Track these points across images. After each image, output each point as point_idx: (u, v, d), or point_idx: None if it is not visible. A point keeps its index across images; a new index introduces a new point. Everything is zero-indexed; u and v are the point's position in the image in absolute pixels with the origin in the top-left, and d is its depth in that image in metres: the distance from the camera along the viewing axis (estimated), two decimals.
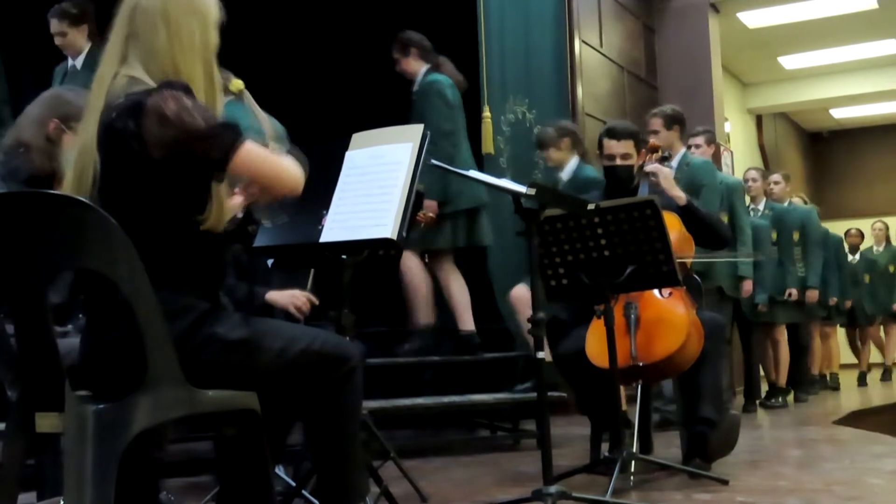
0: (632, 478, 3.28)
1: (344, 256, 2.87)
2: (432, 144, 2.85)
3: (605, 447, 3.58)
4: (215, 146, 1.94)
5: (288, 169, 2.09)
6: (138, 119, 1.92)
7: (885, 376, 10.02)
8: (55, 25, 4.91)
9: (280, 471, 2.99)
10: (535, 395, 3.11)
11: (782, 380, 6.98)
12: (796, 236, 7.00)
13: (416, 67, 4.99)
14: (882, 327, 9.92)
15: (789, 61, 11.25)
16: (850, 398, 8.00)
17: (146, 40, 2.03)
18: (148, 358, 1.80)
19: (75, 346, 2.04)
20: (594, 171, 5.07)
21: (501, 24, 5.87)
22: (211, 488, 2.88)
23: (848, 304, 8.95)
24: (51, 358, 1.86)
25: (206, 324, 1.97)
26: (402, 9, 5.96)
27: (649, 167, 3.74)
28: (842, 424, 5.53)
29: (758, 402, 6.72)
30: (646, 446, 3.73)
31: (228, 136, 1.96)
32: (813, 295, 6.98)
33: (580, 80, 6.43)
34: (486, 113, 5.61)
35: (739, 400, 6.79)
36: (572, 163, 5.07)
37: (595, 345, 3.38)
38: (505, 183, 2.85)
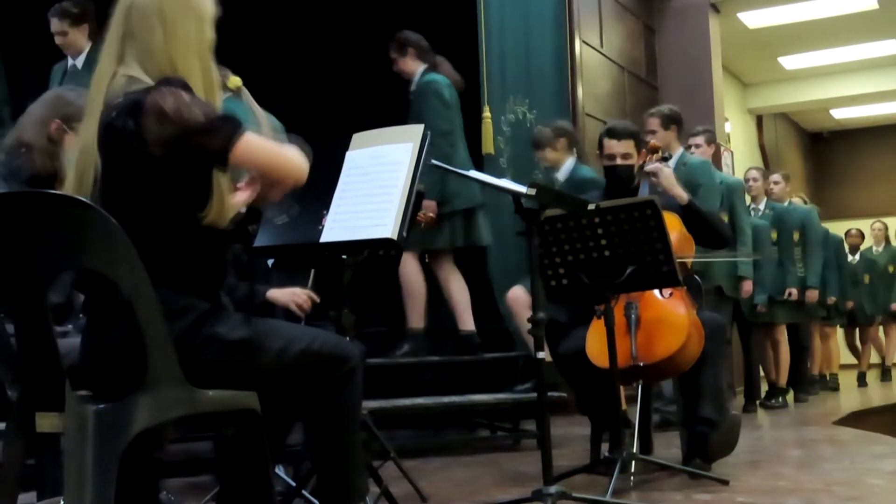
0: (632, 478, 3.28)
1: (344, 256, 2.87)
2: (430, 144, 2.85)
3: (605, 447, 3.58)
4: (215, 138, 1.94)
5: (292, 157, 2.09)
6: (137, 118, 1.93)
7: (885, 376, 10.02)
8: (56, 25, 4.90)
9: (280, 471, 2.99)
10: (535, 395, 3.11)
11: (782, 380, 6.98)
12: (796, 236, 6.99)
13: (414, 67, 5.00)
14: (882, 327, 9.92)
15: (790, 61, 11.25)
16: (849, 398, 8.00)
17: (142, 39, 2.03)
18: (148, 358, 1.80)
19: (75, 346, 2.04)
20: (591, 172, 5.07)
21: (501, 24, 5.87)
22: (211, 488, 2.88)
23: (850, 304, 8.96)
24: (51, 358, 1.86)
25: (206, 324, 1.97)
26: (401, 9, 5.96)
27: (650, 166, 3.74)
28: (842, 425, 5.53)
29: (758, 402, 6.71)
30: (646, 446, 3.72)
31: (228, 127, 1.96)
32: (813, 295, 6.97)
33: (580, 81, 6.43)
34: (487, 113, 5.61)
35: (739, 400, 6.78)
36: (568, 163, 5.06)
37: (595, 345, 3.38)
38: (505, 183, 2.85)
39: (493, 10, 5.78)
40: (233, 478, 2.11)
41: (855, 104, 12.60)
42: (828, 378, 8.68)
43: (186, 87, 1.98)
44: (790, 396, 7.13)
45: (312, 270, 3.65)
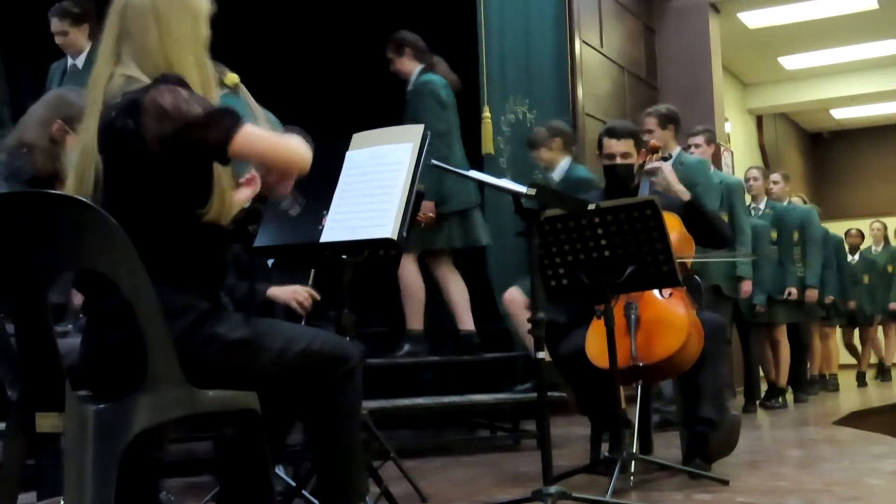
0: (632, 478, 3.27)
1: (344, 256, 2.87)
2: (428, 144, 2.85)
3: (605, 447, 3.58)
4: (214, 131, 1.94)
5: (293, 146, 2.08)
6: (137, 117, 1.93)
7: (885, 376, 10.02)
8: (56, 24, 4.89)
9: (280, 471, 2.99)
10: (535, 395, 3.11)
11: (782, 380, 6.98)
12: (796, 236, 6.99)
13: (411, 67, 5.00)
14: (881, 327, 9.92)
15: (790, 61, 11.25)
16: (849, 398, 8.00)
17: (138, 38, 2.04)
18: (148, 358, 1.80)
19: (75, 346, 2.04)
20: (586, 172, 5.08)
21: (501, 24, 5.87)
22: (211, 488, 2.88)
23: (852, 304, 8.96)
24: (51, 358, 1.86)
25: (206, 323, 1.97)
26: (401, 9, 5.96)
27: (650, 165, 3.74)
28: (842, 425, 5.53)
29: (758, 402, 6.71)
30: (646, 447, 3.72)
31: (227, 120, 1.96)
32: (812, 294, 6.97)
33: (580, 81, 6.43)
34: (486, 113, 5.61)
35: (739, 400, 6.79)
36: (564, 163, 5.06)
37: (595, 345, 3.38)
38: (505, 183, 2.84)
39: (493, 10, 5.78)
40: (233, 478, 2.11)
41: (855, 104, 12.61)
42: (827, 378, 8.68)
43: (183, 84, 1.98)
44: (790, 396, 7.13)
45: (312, 270, 3.65)
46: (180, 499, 3.13)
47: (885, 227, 10.04)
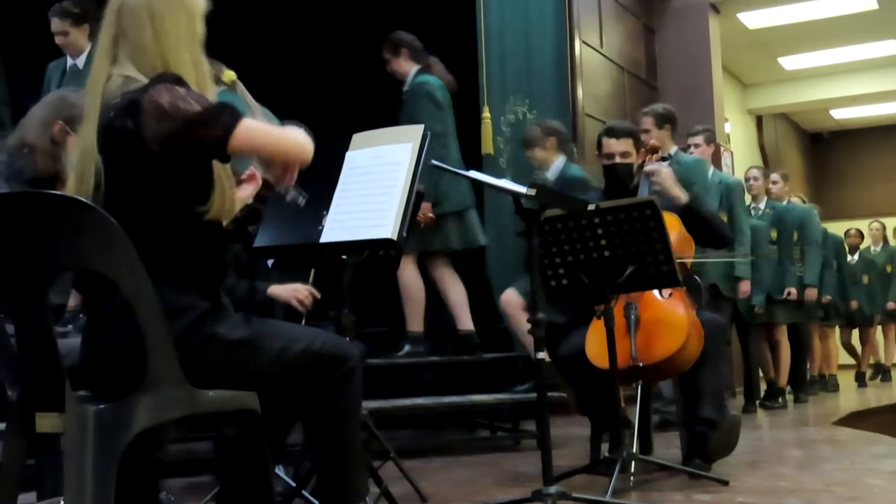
0: (632, 478, 3.28)
1: (344, 257, 2.87)
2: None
3: (605, 447, 3.58)
4: (214, 127, 1.94)
5: (293, 137, 2.08)
6: (136, 117, 1.93)
7: (885, 377, 10.02)
8: (57, 24, 4.89)
9: (280, 471, 2.99)
10: (534, 395, 3.11)
11: (783, 380, 6.98)
12: (796, 236, 6.99)
13: (407, 68, 5.00)
14: (880, 327, 9.92)
15: (789, 62, 11.25)
16: (849, 399, 8.00)
17: (134, 38, 2.04)
18: (148, 358, 1.80)
19: (76, 347, 2.04)
20: (580, 171, 5.08)
21: (501, 24, 5.87)
22: (211, 488, 2.88)
23: (854, 304, 8.96)
24: (51, 358, 1.86)
25: (206, 323, 1.97)
26: (401, 9, 5.96)
27: (649, 167, 3.74)
28: (841, 425, 5.53)
29: (757, 402, 6.71)
30: (646, 447, 3.73)
31: (226, 116, 1.96)
32: (811, 293, 6.97)
33: (580, 81, 6.43)
34: (486, 114, 5.61)
35: (739, 401, 6.78)
36: (558, 162, 5.04)
37: (595, 345, 3.38)
38: (505, 183, 2.85)
39: (492, 11, 5.78)
40: (233, 478, 2.11)
41: (855, 104, 12.61)
42: (827, 378, 8.68)
43: (181, 82, 1.99)
44: (789, 397, 7.13)
45: (312, 270, 3.66)
46: (180, 499, 3.13)
47: (884, 227, 10.05)
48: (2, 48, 5.41)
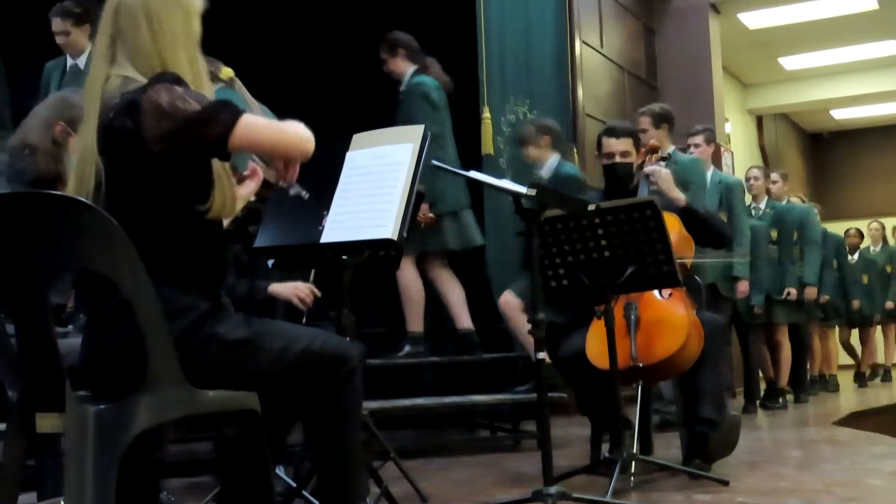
0: (632, 478, 3.28)
1: (344, 257, 2.87)
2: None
3: (605, 448, 3.58)
4: (213, 126, 1.94)
5: (293, 131, 2.07)
6: (135, 117, 1.93)
7: (886, 377, 10.02)
8: (58, 24, 4.88)
9: (280, 471, 2.99)
10: (535, 395, 3.11)
11: (783, 381, 6.98)
12: (795, 236, 6.99)
13: (404, 68, 5.01)
14: (880, 327, 9.92)
15: (790, 62, 11.26)
16: (849, 399, 8.00)
17: (131, 38, 2.04)
18: (148, 358, 1.80)
19: (76, 347, 2.04)
20: (575, 169, 5.08)
21: (501, 24, 5.87)
22: (211, 489, 2.88)
23: (856, 304, 8.96)
24: (51, 358, 1.86)
25: (206, 323, 1.97)
26: (401, 9, 5.96)
27: (648, 168, 3.74)
28: (842, 425, 5.53)
29: (758, 402, 6.71)
30: (646, 447, 3.72)
31: (225, 113, 1.96)
32: (811, 292, 6.97)
33: (581, 81, 6.43)
34: (486, 114, 5.61)
35: (739, 401, 6.78)
36: (552, 160, 5.03)
37: (595, 346, 3.38)
38: (505, 183, 2.85)
39: (492, 11, 5.78)
40: (233, 478, 2.11)
41: (855, 105, 12.61)
42: (827, 378, 8.68)
43: (179, 81, 1.99)
44: (789, 397, 7.13)
45: (313, 271, 3.66)
46: (180, 499, 3.13)
47: (883, 228, 10.05)
48: (2, 48, 5.41)
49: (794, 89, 12.05)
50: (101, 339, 1.96)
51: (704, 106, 7.84)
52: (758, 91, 12.16)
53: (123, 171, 1.98)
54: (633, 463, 3.29)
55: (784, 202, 7.28)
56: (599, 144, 3.83)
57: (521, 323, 4.56)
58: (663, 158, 3.92)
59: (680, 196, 3.73)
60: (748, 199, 6.79)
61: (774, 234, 6.88)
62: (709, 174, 5.86)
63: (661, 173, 3.74)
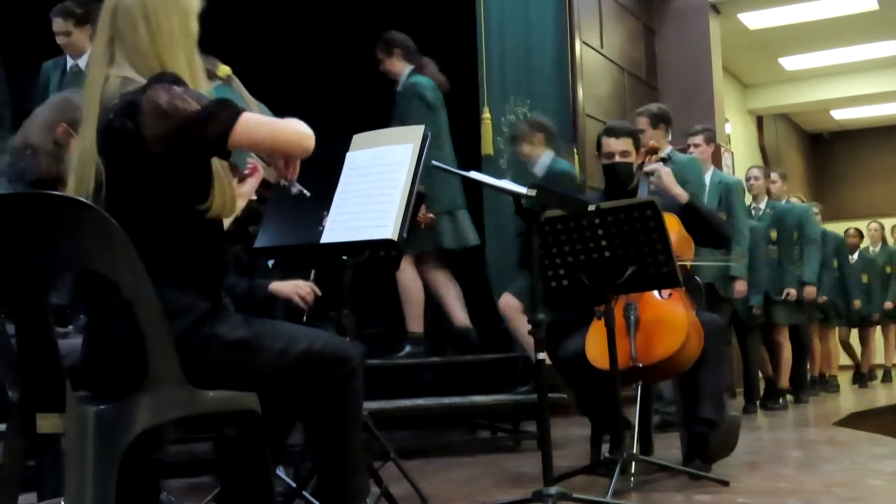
0: (632, 479, 3.27)
1: (345, 257, 2.87)
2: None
3: (605, 448, 3.58)
4: (213, 125, 1.94)
5: (292, 128, 2.06)
6: (135, 118, 1.93)
7: (886, 377, 10.02)
8: (59, 24, 4.87)
9: (280, 471, 2.99)
10: (535, 396, 3.12)
11: (784, 381, 6.97)
12: (795, 236, 6.99)
13: (400, 68, 5.02)
14: (879, 327, 9.91)
15: (790, 62, 11.26)
16: (849, 399, 8.00)
17: (129, 39, 2.04)
18: (149, 358, 1.80)
19: (76, 347, 2.04)
20: (568, 166, 5.08)
21: (501, 24, 5.87)
22: (211, 489, 2.88)
23: (857, 303, 8.96)
24: (52, 359, 1.86)
25: (206, 324, 1.97)
26: (401, 9, 5.96)
27: (649, 167, 3.74)
28: (842, 426, 5.53)
29: (758, 403, 6.71)
30: (646, 447, 3.73)
31: (225, 111, 1.96)
32: (810, 291, 6.96)
33: (581, 81, 6.43)
34: (486, 114, 5.61)
35: (739, 401, 6.78)
36: (545, 157, 5.01)
37: (595, 346, 3.38)
38: (505, 184, 2.85)
39: (492, 11, 5.78)
40: (233, 479, 2.11)
41: (855, 105, 12.61)
42: (827, 379, 8.68)
43: (178, 81, 1.99)
44: (790, 397, 7.12)
45: (313, 271, 3.66)
46: (181, 499, 3.13)
47: (882, 228, 10.05)
48: (2, 48, 5.41)
49: (794, 89, 12.05)
50: (101, 340, 1.96)
51: (704, 106, 7.84)
52: (758, 91, 12.16)
53: (123, 172, 1.98)
54: (634, 463, 3.28)
55: (783, 202, 7.28)
56: (599, 144, 3.84)
57: (520, 324, 4.56)
58: (662, 159, 3.91)
59: (682, 193, 3.73)
60: (748, 199, 6.79)
61: (774, 234, 6.88)
62: (708, 174, 5.86)
63: (663, 170, 3.74)
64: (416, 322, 4.93)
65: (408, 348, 4.90)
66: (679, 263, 3.39)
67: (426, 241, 4.89)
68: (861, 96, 11.99)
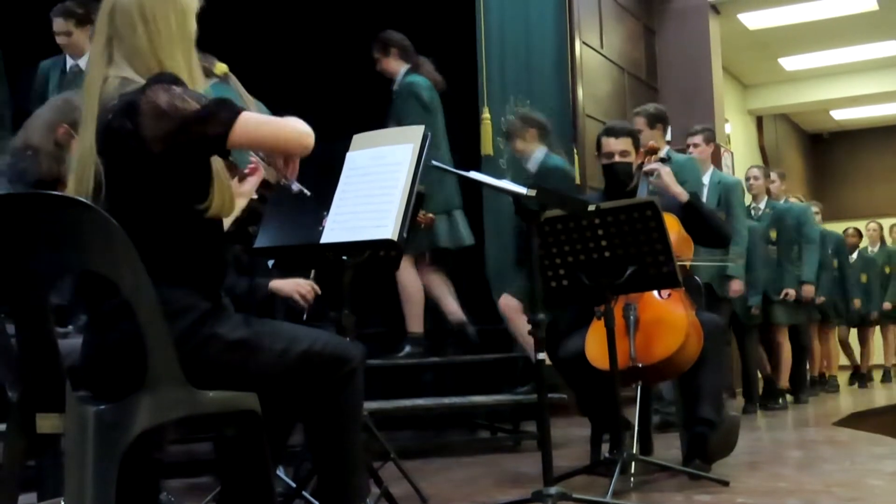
0: (632, 479, 3.27)
1: (345, 257, 2.87)
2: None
3: (605, 448, 3.58)
4: (213, 125, 1.94)
5: (292, 127, 2.06)
6: (134, 118, 1.93)
7: (886, 377, 10.02)
8: (60, 24, 4.87)
9: (281, 472, 2.99)
10: (535, 396, 3.12)
11: (783, 381, 6.97)
12: (795, 235, 6.98)
13: (396, 67, 5.02)
14: (878, 327, 9.91)
15: (790, 62, 11.26)
16: (849, 399, 8.00)
17: (127, 39, 2.04)
18: (148, 358, 1.80)
19: (76, 347, 2.04)
20: (562, 161, 5.06)
21: (501, 24, 5.87)
22: (211, 489, 2.88)
23: (857, 303, 8.95)
24: (51, 359, 1.86)
25: (206, 324, 1.97)
26: (400, 9, 5.96)
27: (649, 166, 3.75)
28: (842, 426, 5.53)
29: (757, 403, 6.71)
30: (646, 447, 3.73)
31: (224, 111, 1.96)
32: (809, 290, 6.96)
33: (581, 82, 6.43)
34: (486, 114, 5.61)
35: (739, 401, 6.78)
36: (539, 153, 4.98)
37: (595, 347, 3.38)
38: (505, 184, 2.85)
39: (492, 11, 5.78)
40: (233, 479, 2.11)
41: (855, 105, 12.62)
42: (827, 379, 8.68)
43: (177, 81, 1.99)
44: (789, 397, 7.12)
45: (313, 271, 3.66)
46: (181, 500, 3.13)
47: (881, 228, 10.05)
48: (2, 48, 5.41)
49: (794, 90, 12.05)
50: (101, 340, 1.96)
51: (704, 106, 7.84)
52: (758, 91, 12.16)
53: (123, 172, 1.98)
54: (633, 463, 3.29)
55: (782, 201, 7.28)
56: (599, 144, 3.84)
57: (520, 324, 4.56)
58: (662, 159, 3.92)
59: (682, 192, 3.73)
60: (748, 199, 6.79)
61: (774, 234, 6.88)
62: (708, 174, 5.86)
63: (663, 170, 3.74)
64: (416, 322, 4.93)
65: (408, 348, 4.90)
66: (678, 263, 3.39)
67: (421, 242, 4.89)
68: (861, 96, 11.99)
